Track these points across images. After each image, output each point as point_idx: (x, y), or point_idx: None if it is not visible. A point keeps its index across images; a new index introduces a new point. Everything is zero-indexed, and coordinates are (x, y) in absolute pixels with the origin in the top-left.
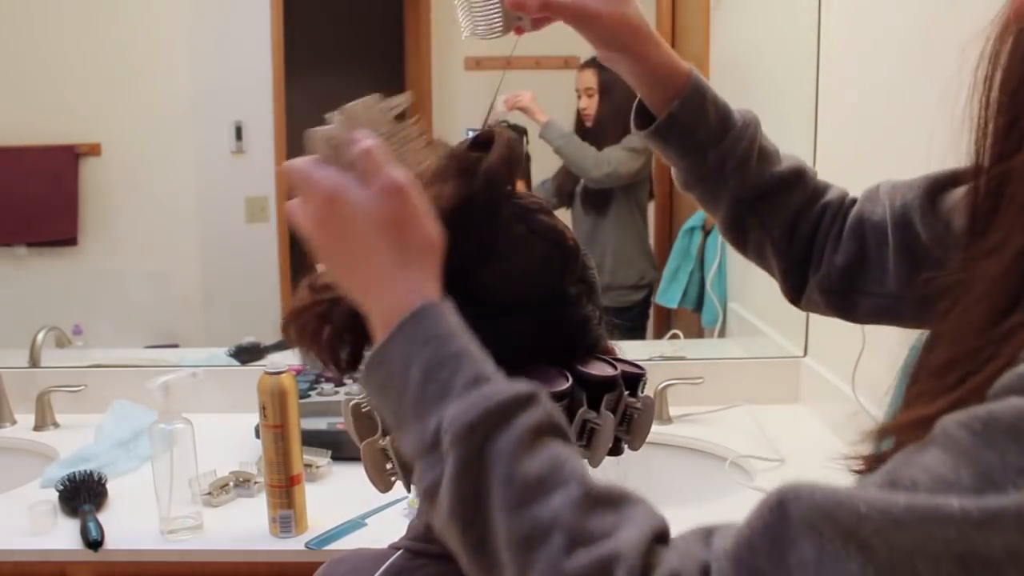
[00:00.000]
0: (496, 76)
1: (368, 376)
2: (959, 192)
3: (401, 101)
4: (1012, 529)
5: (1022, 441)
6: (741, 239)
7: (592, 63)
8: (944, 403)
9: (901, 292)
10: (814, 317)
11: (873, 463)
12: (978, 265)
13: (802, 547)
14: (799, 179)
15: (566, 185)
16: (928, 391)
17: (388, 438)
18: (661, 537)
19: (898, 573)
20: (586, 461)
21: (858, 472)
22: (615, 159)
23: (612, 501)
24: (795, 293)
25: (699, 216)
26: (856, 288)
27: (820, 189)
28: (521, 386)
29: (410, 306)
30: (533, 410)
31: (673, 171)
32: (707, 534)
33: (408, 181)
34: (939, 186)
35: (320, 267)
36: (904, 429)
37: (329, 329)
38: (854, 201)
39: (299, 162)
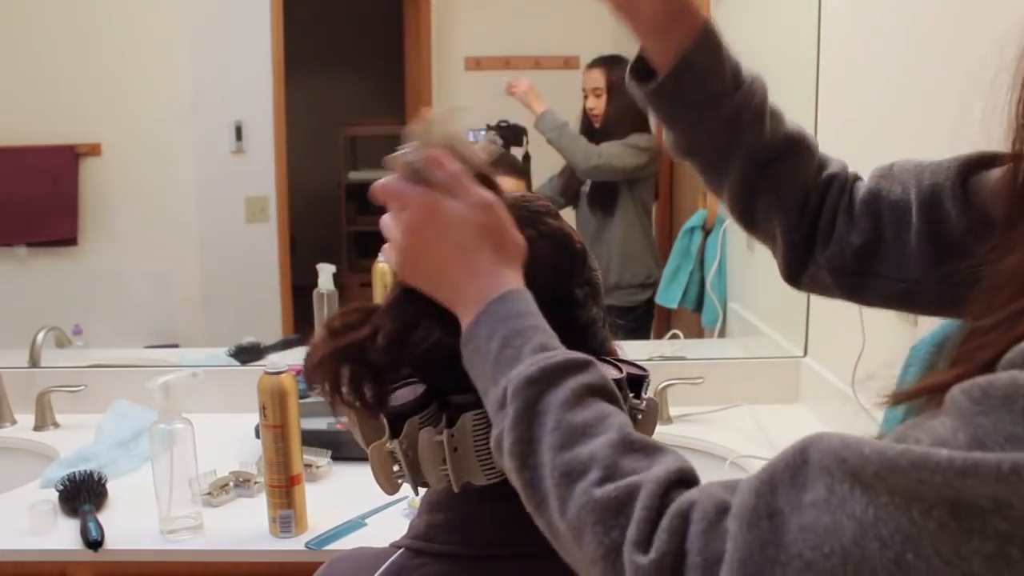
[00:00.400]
0: (497, 76)
1: (464, 350)
2: (993, 175)
3: (462, 108)
4: (992, 481)
5: (1014, 411)
6: (749, 209)
7: (600, 63)
8: (955, 374)
9: (921, 276)
10: (814, 317)
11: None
12: (1010, 253)
13: (816, 488)
14: (807, 143)
15: (572, 183)
16: (945, 363)
17: (395, 441)
18: (686, 479)
19: (897, 516)
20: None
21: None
22: (607, 152)
23: (647, 449)
24: (796, 271)
25: (699, 216)
26: (870, 270)
27: (823, 158)
28: (578, 355)
29: (498, 291)
30: (586, 373)
31: (672, 137)
32: (733, 484)
33: (495, 198)
34: (972, 168)
35: (397, 267)
36: (915, 395)
37: (350, 368)
38: (856, 176)
39: (388, 180)
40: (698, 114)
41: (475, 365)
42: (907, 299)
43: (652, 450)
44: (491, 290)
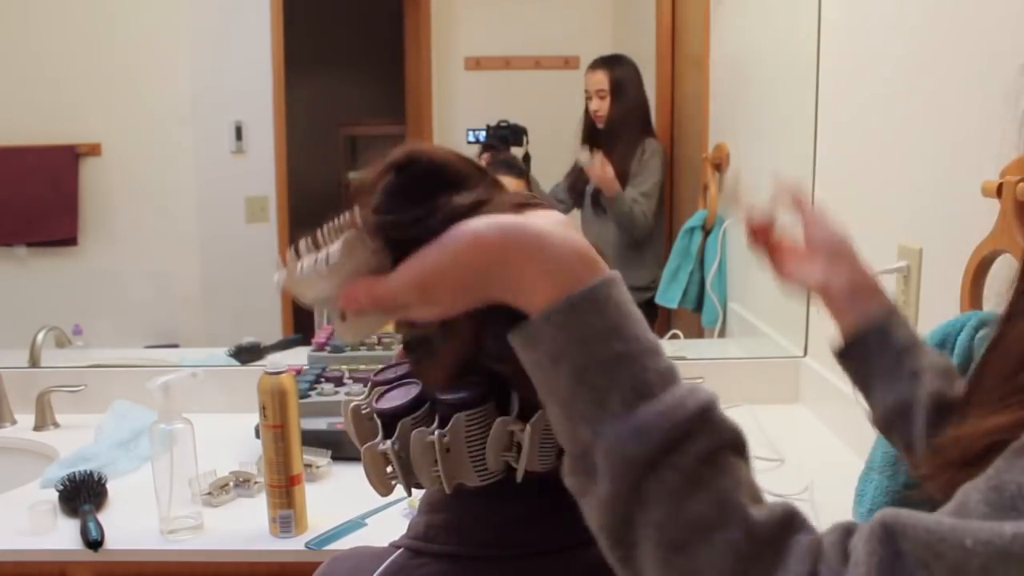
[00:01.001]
0: (496, 75)
1: (517, 348)
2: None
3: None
4: None
5: None
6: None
7: (602, 63)
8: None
9: None
10: (814, 317)
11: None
12: None
13: None
14: (954, 371)
15: (577, 184)
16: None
17: (388, 441)
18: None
19: None
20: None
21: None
22: (647, 210)
23: (775, 543)
24: None
25: (699, 216)
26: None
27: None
28: (689, 405)
29: (565, 293)
30: (699, 437)
31: (867, 406)
32: (843, 539)
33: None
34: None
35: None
36: (1003, 431)
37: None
38: None
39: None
40: (868, 378)
41: (534, 376)
42: None
43: (781, 541)
44: (566, 289)
